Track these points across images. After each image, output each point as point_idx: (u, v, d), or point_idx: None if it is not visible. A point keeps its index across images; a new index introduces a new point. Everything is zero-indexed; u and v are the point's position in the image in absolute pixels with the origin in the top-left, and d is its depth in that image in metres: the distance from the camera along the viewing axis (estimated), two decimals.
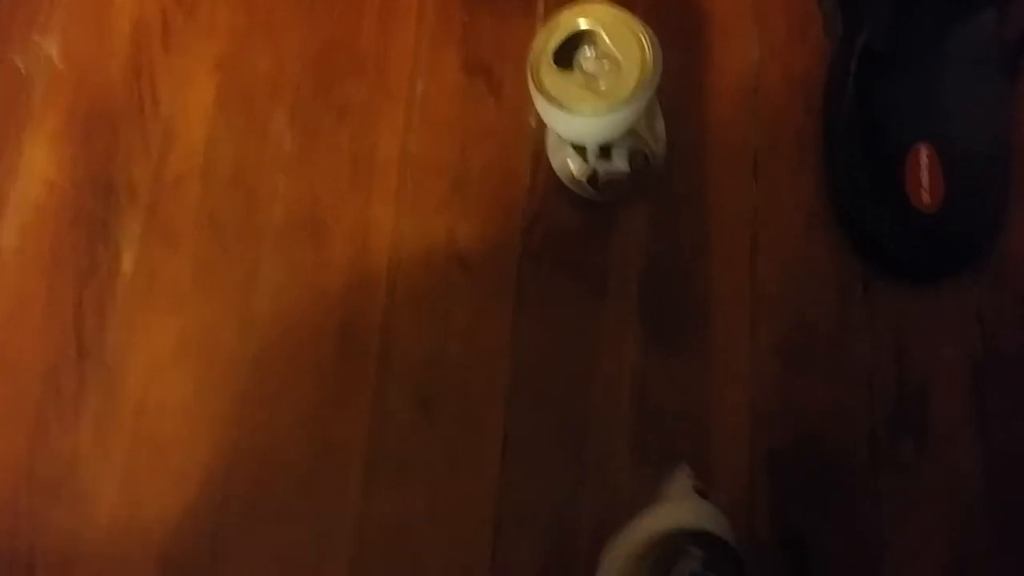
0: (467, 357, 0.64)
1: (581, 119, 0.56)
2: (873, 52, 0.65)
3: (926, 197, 0.63)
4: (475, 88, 0.69)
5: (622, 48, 0.56)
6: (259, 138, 0.69)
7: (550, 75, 0.56)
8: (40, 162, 0.70)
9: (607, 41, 0.56)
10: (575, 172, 0.64)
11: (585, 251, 0.66)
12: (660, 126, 0.65)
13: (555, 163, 0.65)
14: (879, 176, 0.64)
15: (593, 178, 0.64)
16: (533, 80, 0.56)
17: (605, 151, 0.62)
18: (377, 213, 0.67)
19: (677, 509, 0.54)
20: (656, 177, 0.66)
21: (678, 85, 0.66)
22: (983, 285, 0.64)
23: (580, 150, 0.62)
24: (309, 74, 0.70)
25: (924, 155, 0.64)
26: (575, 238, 0.66)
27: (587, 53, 0.57)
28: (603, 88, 0.56)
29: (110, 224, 0.68)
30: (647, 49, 0.56)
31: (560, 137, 0.63)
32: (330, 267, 0.66)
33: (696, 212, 0.66)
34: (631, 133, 0.60)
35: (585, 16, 0.56)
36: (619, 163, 0.63)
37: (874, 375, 0.63)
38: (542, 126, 0.67)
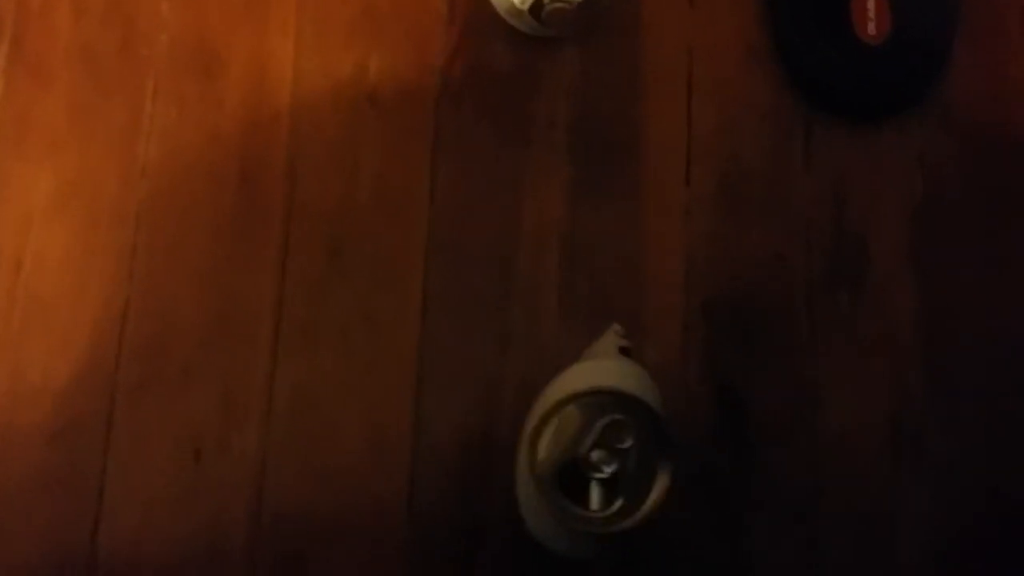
0: (380, 205, 0.60)
1: None
2: None
3: (872, 28, 0.61)
4: None
5: None
6: None
7: None
8: None
9: None
10: (516, 1, 0.58)
11: (510, 92, 0.61)
12: None
13: None
14: (823, 5, 0.62)
15: (536, 8, 0.58)
16: None
17: None
18: (276, 44, 0.61)
19: (600, 368, 0.52)
20: (603, 9, 0.61)
21: None
22: (925, 126, 0.62)
23: None
24: None
25: None
26: (498, 77, 0.62)
27: None
28: None
29: None
30: None
31: None
32: (224, 106, 0.61)
33: (629, 50, 0.62)
34: None
35: None
36: None
37: (812, 221, 0.61)
38: None
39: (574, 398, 0.47)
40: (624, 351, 0.54)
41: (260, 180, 0.60)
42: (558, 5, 0.58)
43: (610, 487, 0.46)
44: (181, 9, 0.62)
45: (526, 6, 0.58)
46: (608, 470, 0.46)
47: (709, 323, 0.59)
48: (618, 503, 0.46)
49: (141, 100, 0.61)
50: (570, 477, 0.46)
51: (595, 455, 0.46)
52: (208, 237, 0.59)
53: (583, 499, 0.46)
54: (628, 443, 0.46)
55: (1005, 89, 0.63)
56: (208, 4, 0.62)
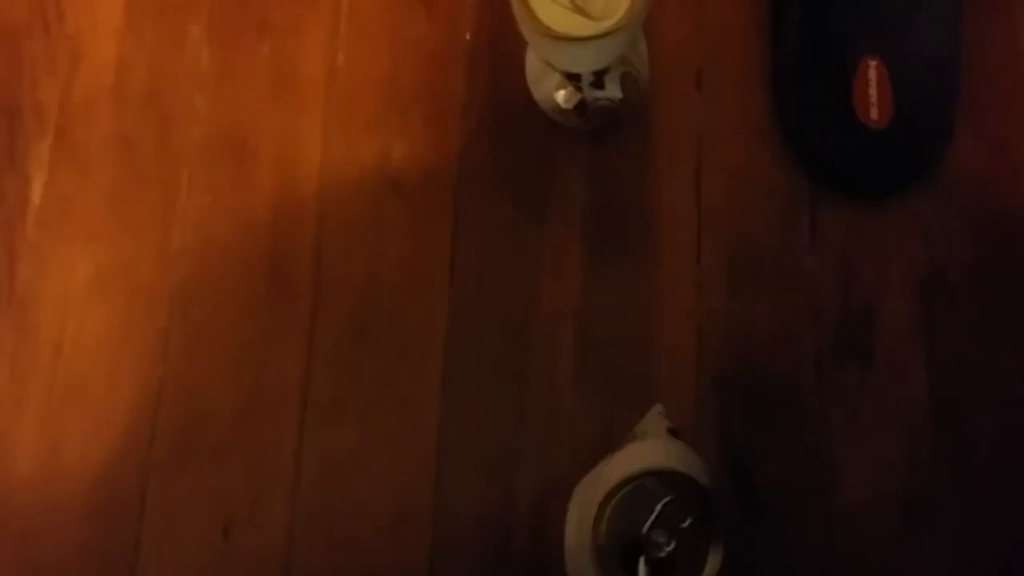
0: (403, 285, 0.62)
1: (576, 47, 0.52)
2: None
3: (874, 112, 0.62)
4: None
5: None
6: (174, 54, 0.65)
7: (541, 3, 0.52)
8: None
9: None
10: (562, 102, 0.60)
11: (526, 174, 0.63)
12: (643, 45, 0.61)
13: (538, 94, 0.62)
14: (826, 91, 0.63)
15: (581, 106, 0.60)
16: (523, 10, 0.52)
17: (598, 78, 0.58)
18: (304, 134, 0.64)
19: (649, 449, 0.53)
20: (641, 101, 0.63)
21: None
22: (930, 202, 0.63)
23: (573, 79, 0.59)
24: None
25: (872, 69, 0.62)
26: (515, 160, 0.64)
27: None
28: (594, 11, 0.52)
29: (16, 151, 0.64)
30: None
31: (544, 66, 0.59)
32: (255, 192, 0.63)
33: (640, 131, 0.64)
34: (622, 58, 0.57)
35: None
36: (612, 90, 0.59)
37: (820, 295, 0.62)
38: (478, 40, 0.64)
39: (638, 477, 0.48)
40: (672, 432, 0.55)
41: (289, 262, 0.62)
42: (601, 103, 0.60)
43: (662, 567, 0.47)
44: (214, 102, 0.64)
45: (571, 105, 0.60)
46: (667, 549, 0.47)
47: (721, 395, 0.60)
48: None
49: (176, 188, 0.63)
50: (624, 556, 0.47)
51: (655, 535, 0.47)
52: (239, 318, 0.61)
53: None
54: (687, 523, 0.47)
55: (1006, 166, 0.64)
56: (239, 97, 0.64)
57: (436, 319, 0.61)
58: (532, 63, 0.62)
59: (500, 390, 0.60)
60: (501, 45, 0.65)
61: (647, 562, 0.46)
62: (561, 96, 0.60)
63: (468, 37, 0.65)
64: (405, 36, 0.65)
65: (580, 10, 0.52)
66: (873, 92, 0.62)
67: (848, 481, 0.59)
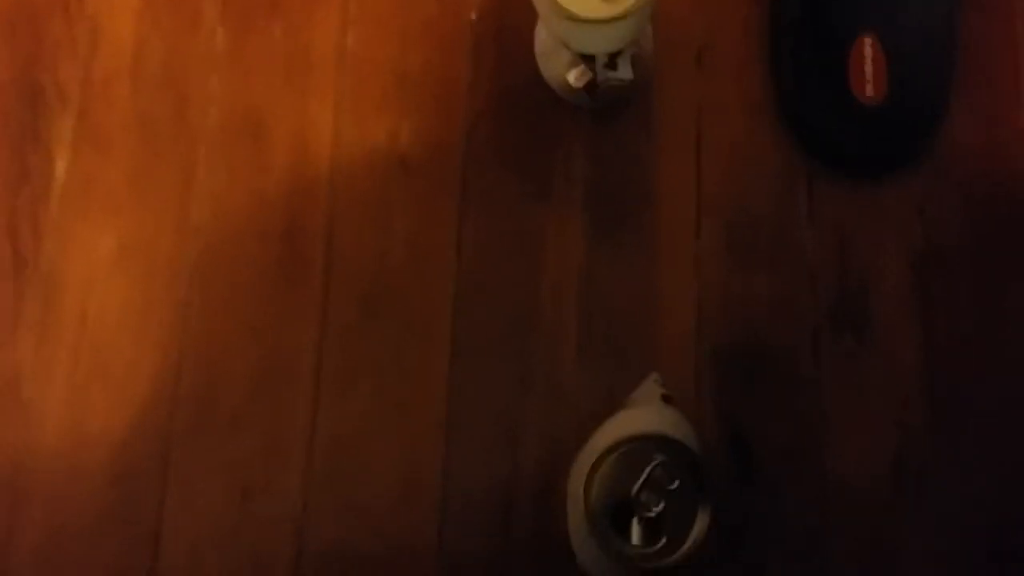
0: (412, 260, 0.64)
1: (595, 28, 0.54)
2: None
3: (869, 90, 0.63)
4: None
5: None
6: (189, 35, 0.67)
7: None
8: None
9: None
10: (573, 81, 0.61)
11: (530, 152, 0.65)
12: (648, 26, 0.63)
13: (547, 73, 0.64)
14: (823, 69, 0.64)
15: (591, 86, 0.61)
16: None
17: (612, 59, 0.59)
18: (316, 113, 0.66)
19: (642, 415, 0.55)
20: (648, 81, 0.65)
21: None
22: (925, 178, 0.65)
23: (588, 60, 0.60)
24: None
25: (868, 46, 0.63)
26: (519, 138, 0.65)
27: None
28: None
29: (40, 130, 0.66)
30: None
31: (554, 44, 0.61)
32: (270, 170, 0.65)
33: (639, 109, 0.66)
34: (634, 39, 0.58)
35: None
36: (624, 71, 0.60)
37: (817, 269, 0.64)
38: (484, 21, 0.66)
39: (628, 442, 0.50)
40: (666, 399, 0.56)
41: (302, 238, 0.64)
42: (613, 83, 0.61)
43: (652, 527, 0.49)
44: (229, 82, 0.66)
45: (581, 84, 0.61)
46: (656, 510, 0.49)
47: (719, 366, 0.62)
48: (662, 541, 0.49)
49: (193, 165, 0.65)
50: (615, 517, 0.50)
51: (644, 496, 0.49)
52: (255, 292, 0.63)
53: (627, 536, 0.49)
54: (675, 485, 0.49)
55: (1001, 142, 0.66)
56: (254, 78, 0.66)
57: (443, 293, 0.63)
58: (542, 41, 0.64)
59: (505, 362, 0.62)
60: (506, 26, 0.66)
61: (639, 522, 0.49)
62: (572, 75, 0.61)
63: (474, 18, 0.66)
64: (413, 17, 0.66)
65: None
66: (868, 69, 0.63)
67: (842, 449, 0.61)
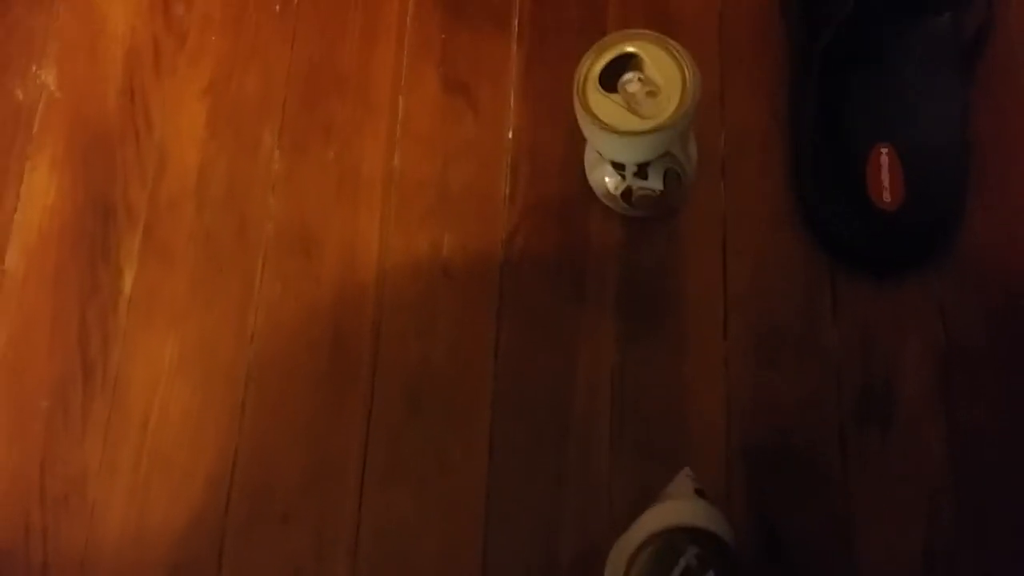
0: (453, 362, 0.67)
1: (622, 139, 0.58)
2: (833, 57, 0.67)
3: (887, 196, 0.65)
4: (455, 104, 0.72)
5: (664, 73, 0.58)
6: (249, 158, 0.72)
7: (595, 96, 0.58)
8: (41, 187, 0.73)
9: (650, 65, 0.59)
10: (611, 188, 0.66)
11: (564, 259, 0.68)
12: (693, 148, 0.67)
13: (592, 179, 0.68)
14: (842, 177, 0.67)
15: (627, 194, 0.66)
16: (580, 100, 0.58)
17: (642, 169, 0.64)
18: (364, 227, 0.70)
19: (676, 508, 0.56)
20: (686, 195, 0.68)
21: None
22: (944, 279, 0.66)
23: (618, 167, 0.65)
24: (295, 94, 0.74)
25: (884, 156, 0.66)
26: (554, 247, 0.69)
27: (630, 76, 0.59)
28: (644, 111, 0.58)
29: (110, 245, 0.71)
30: (687, 75, 0.58)
31: (599, 155, 0.65)
32: (321, 281, 0.69)
33: (668, 217, 0.69)
34: (666, 154, 0.62)
35: (630, 41, 0.59)
36: (654, 181, 0.65)
37: (841, 368, 0.65)
38: (519, 139, 0.70)
39: (663, 534, 0.52)
40: (699, 492, 0.58)
41: (350, 343, 0.68)
42: (644, 192, 0.65)
43: None
44: (285, 200, 0.71)
45: (619, 192, 0.66)
46: None
47: (749, 461, 0.63)
48: None
49: (251, 277, 0.70)
50: None
51: None
52: (306, 394, 0.67)
53: None
54: (711, 575, 0.51)
55: (1019, 239, 0.67)
56: (307, 196, 0.71)
57: (482, 393, 0.66)
58: (589, 154, 0.68)
59: (542, 458, 0.64)
60: (540, 142, 0.71)
61: None
62: (610, 183, 0.66)
63: (510, 136, 0.71)
64: (454, 138, 0.71)
65: (632, 109, 0.58)
66: (885, 176, 0.65)
67: (870, 541, 0.62)
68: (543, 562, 0.63)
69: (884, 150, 0.66)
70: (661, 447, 0.64)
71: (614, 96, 0.59)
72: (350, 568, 0.63)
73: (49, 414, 0.68)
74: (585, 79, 0.59)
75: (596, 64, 0.59)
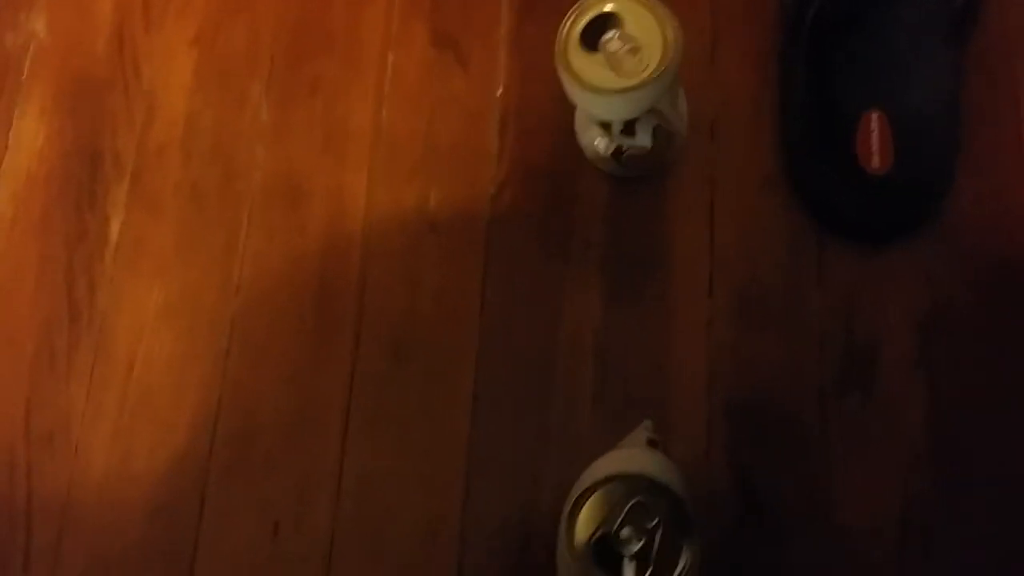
0: (438, 315, 0.67)
1: (605, 97, 0.59)
2: (824, 21, 0.67)
3: (876, 161, 0.65)
4: (444, 60, 0.72)
5: (644, 31, 0.58)
6: (236, 110, 0.72)
7: (577, 56, 0.58)
8: (29, 134, 0.73)
9: (631, 24, 0.59)
10: (601, 149, 0.66)
11: (550, 216, 0.69)
12: (682, 105, 0.67)
13: (582, 141, 0.68)
14: (831, 141, 0.67)
15: (618, 153, 0.66)
16: (560, 61, 0.59)
17: (629, 128, 0.64)
18: (351, 180, 0.70)
19: (626, 455, 0.57)
20: (677, 153, 0.68)
21: None
22: (932, 244, 0.66)
23: (606, 126, 0.65)
24: (283, 49, 0.73)
25: (874, 121, 0.66)
26: (540, 204, 0.69)
27: (611, 35, 0.59)
28: (626, 68, 0.58)
29: (97, 193, 0.71)
30: (669, 33, 0.58)
31: (587, 117, 0.65)
32: (307, 232, 0.69)
33: (656, 178, 0.69)
34: (653, 111, 0.62)
35: (610, 0, 0.59)
36: (642, 139, 0.65)
37: (824, 332, 0.65)
38: (509, 96, 0.70)
39: (605, 482, 0.52)
40: (651, 443, 0.59)
41: (335, 295, 0.68)
42: (633, 152, 0.66)
43: (642, 565, 0.51)
44: (272, 150, 0.71)
45: (609, 152, 0.66)
46: (636, 546, 0.50)
47: (730, 422, 0.64)
48: None
49: (237, 227, 0.70)
50: (607, 556, 0.51)
51: (624, 533, 0.51)
52: (290, 343, 0.67)
53: (615, 572, 0.51)
54: (653, 522, 0.51)
55: (1006, 208, 0.67)
56: (295, 146, 0.71)
57: (467, 346, 0.66)
58: (579, 116, 0.68)
59: (525, 411, 0.65)
60: (529, 99, 0.71)
61: (629, 560, 0.50)
62: (600, 145, 0.66)
63: (500, 93, 0.71)
64: (443, 93, 0.71)
65: (614, 68, 0.58)
66: (875, 141, 0.65)
67: (848, 503, 0.62)
68: (522, 513, 0.63)
69: (874, 115, 0.66)
70: (643, 404, 0.65)
71: (596, 56, 0.59)
72: (331, 513, 0.63)
73: (35, 356, 0.68)
74: (566, 39, 0.59)
75: (576, 24, 0.59)
